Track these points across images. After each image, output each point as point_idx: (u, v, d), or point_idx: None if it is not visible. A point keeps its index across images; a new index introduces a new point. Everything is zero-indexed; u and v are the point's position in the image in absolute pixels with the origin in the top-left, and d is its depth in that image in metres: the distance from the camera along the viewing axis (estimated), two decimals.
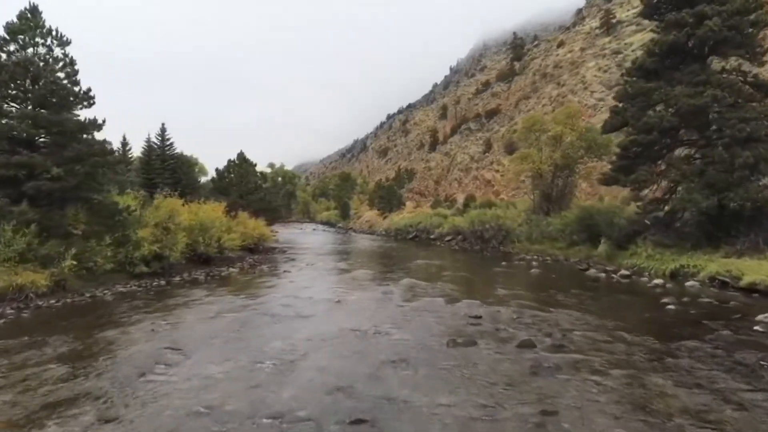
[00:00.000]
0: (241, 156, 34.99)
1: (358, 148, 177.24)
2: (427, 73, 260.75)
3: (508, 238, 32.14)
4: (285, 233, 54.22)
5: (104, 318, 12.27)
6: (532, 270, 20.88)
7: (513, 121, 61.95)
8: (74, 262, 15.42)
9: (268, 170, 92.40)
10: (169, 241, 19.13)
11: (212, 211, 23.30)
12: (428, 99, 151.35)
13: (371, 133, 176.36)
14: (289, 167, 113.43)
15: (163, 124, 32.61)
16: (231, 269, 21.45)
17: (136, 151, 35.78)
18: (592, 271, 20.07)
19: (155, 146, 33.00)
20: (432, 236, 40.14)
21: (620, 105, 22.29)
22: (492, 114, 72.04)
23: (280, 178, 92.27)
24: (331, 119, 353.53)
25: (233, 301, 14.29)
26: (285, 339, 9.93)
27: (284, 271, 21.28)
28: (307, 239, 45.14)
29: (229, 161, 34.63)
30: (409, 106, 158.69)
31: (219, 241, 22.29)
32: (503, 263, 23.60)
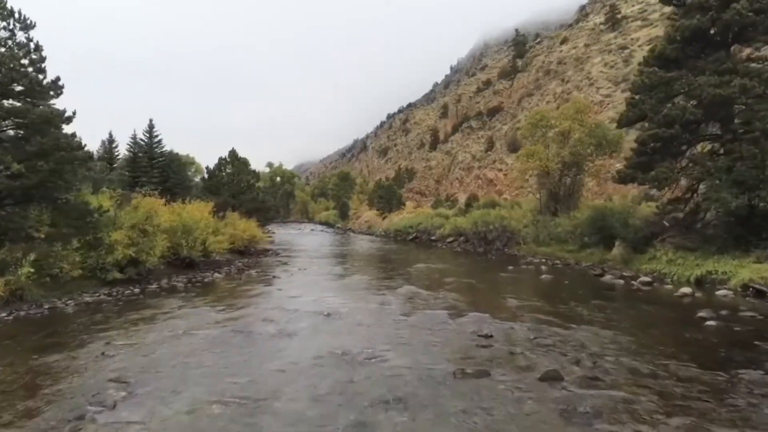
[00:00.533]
0: (233, 153, 33.09)
1: (358, 147, 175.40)
2: (428, 72, 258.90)
3: (513, 239, 30.39)
4: (282, 234, 52.53)
5: (55, 336, 10.51)
6: (543, 276, 19.10)
7: (516, 119, 60.20)
8: (32, 270, 13.71)
9: (267, 169, 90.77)
10: (146, 245, 17.39)
11: (197, 211, 21.56)
12: (428, 98, 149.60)
13: (371, 132, 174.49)
14: (289, 167, 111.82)
15: (150, 120, 30.88)
16: (216, 275, 19.69)
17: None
18: (608, 277, 18.28)
19: (143, 143, 31.25)
20: (433, 237, 38.36)
21: (637, 97, 20.50)
22: (494, 112, 70.24)
23: (278, 178, 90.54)
24: (331, 119, 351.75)
25: (208, 314, 12.53)
26: (256, 367, 8.18)
27: (273, 277, 19.52)
28: (304, 240, 43.40)
29: (221, 159, 32.76)
30: (410, 105, 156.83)
31: (204, 244, 20.54)
32: (510, 267, 21.83)
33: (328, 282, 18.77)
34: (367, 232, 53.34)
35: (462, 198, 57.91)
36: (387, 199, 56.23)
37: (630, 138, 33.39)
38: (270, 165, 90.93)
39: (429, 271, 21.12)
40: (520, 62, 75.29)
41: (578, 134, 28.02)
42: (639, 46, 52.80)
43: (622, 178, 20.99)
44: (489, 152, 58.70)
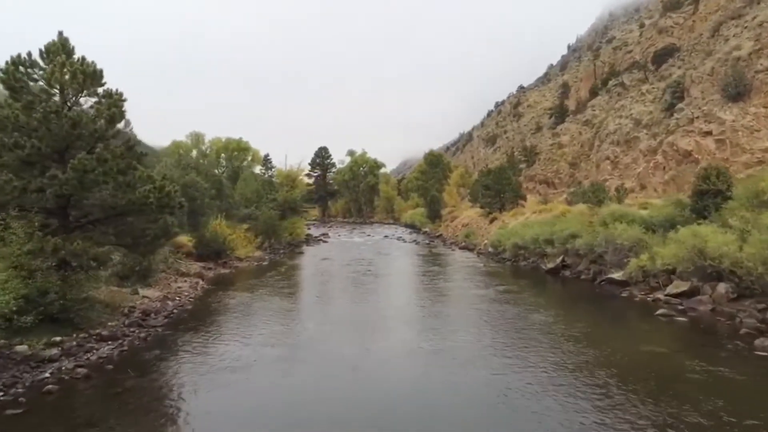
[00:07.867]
0: (59, 42, 10.62)
1: (464, 140, 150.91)
2: (539, 57, 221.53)
3: None
4: (331, 244, 31.99)
5: None
6: None
7: (714, 56, 33.28)
8: None
9: (348, 158, 71.27)
10: None
11: None
12: (542, 81, 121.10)
13: (477, 124, 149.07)
14: (394, 164, 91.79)
15: None
16: None
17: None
18: None
19: None
20: (612, 275, 14.94)
21: None
22: (663, 57, 43.26)
23: (362, 169, 70.45)
24: (436, 115, 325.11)
25: None
26: None
27: None
28: (342, 261, 22.26)
29: (40, 50, 10.88)
30: (521, 88, 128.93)
31: None
32: None
33: None
34: (465, 245, 30.64)
35: (628, 185, 32.77)
36: (496, 190, 33.10)
37: None
38: (351, 153, 71.10)
39: None
40: None
41: None
42: None
43: None
44: (674, 110, 32.68)
